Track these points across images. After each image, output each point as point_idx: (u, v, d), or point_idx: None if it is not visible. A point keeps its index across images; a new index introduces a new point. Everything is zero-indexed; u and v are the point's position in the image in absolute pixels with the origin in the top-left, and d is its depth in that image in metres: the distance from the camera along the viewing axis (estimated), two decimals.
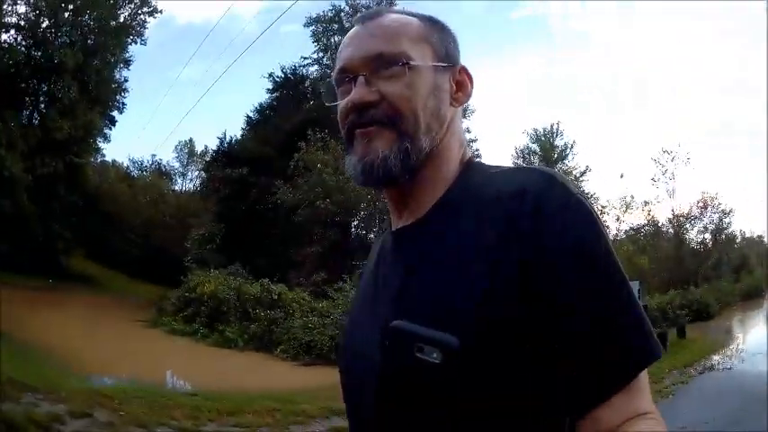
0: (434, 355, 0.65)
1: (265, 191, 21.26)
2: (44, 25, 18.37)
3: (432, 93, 0.78)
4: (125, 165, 30.26)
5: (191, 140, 32.79)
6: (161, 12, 20.86)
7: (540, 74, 48.53)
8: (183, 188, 32.31)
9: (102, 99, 20.12)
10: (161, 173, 30.80)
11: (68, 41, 18.50)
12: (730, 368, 10.53)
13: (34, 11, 18.34)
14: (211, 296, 15.02)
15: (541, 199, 0.67)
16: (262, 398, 7.53)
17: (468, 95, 0.83)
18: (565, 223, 0.66)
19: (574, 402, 0.64)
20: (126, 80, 21.30)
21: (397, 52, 0.76)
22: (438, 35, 0.82)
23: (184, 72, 47.85)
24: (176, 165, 32.87)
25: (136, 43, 20.57)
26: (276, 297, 14.74)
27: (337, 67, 0.80)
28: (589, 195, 27.69)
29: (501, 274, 0.66)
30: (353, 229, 22.89)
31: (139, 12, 20.24)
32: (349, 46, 0.80)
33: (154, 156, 32.03)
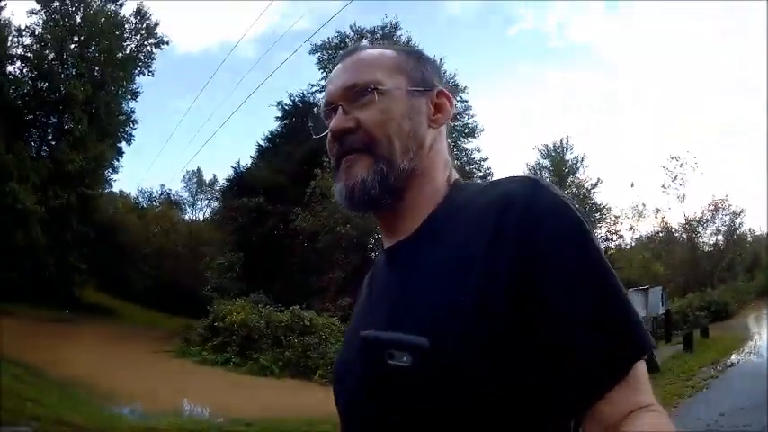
0: (404, 359, 0.65)
1: (282, 218, 21.28)
2: (50, 57, 18.16)
3: (406, 116, 0.79)
4: (133, 195, 30.02)
5: (198, 170, 32.72)
6: (167, 43, 20.74)
7: (541, 87, 48.92)
8: (193, 217, 31.98)
9: (111, 131, 19.86)
10: (171, 203, 30.42)
11: (75, 73, 18.31)
12: (755, 360, 11.05)
13: (39, 42, 18.16)
14: (241, 324, 14.60)
15: (527, 204, 0.68)
16: (320, 422, 7.35)
17: (448, 116, 0.84)
18: (552, 227, 0.66)
19: (573, 402, 0.64)
20: (133, 111, 21.10)
21: (370, 81, 0.79)
22: (414, 63, 0.84)
23: (183, 102, 47.73)
24: (185, 194, 32.68)
25: (143, 74, 20.41)
26: (309, 323, 14.34)
27: (323, 101, 0.85)
28: (602, 206, 27.73)
29: (492, 280, 0.65)
30: (373, 254, 22.61)
31: (146, 43, 20.10)
32: (330, 81, 0.84)
33: (163, 186, 31.92)
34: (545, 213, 0.67)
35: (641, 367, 0.64)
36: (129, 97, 20.44)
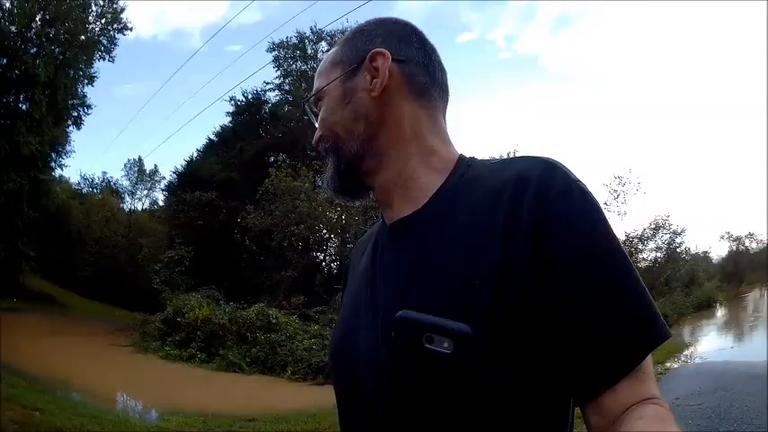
0: (445, 345, 0.63)
1: (233, 214, 21.27)
2: (13, 31, 17.34)
3: (342, 103, 0.81)
4: (75, 181, 28.79)
5: (140, 159, 31.80)
6: (131, 29, 20.31)
7: (489, 97, 49.65)
8: (132, 207, 31.05)
9: (67, 115, 19.21)
10: (112, 191, 29.44)
11: (37, 53, 17.59)
12: (696, 362, 12.46)
13: (5, 16, 17.23)
14: (205, 320, 14.78)
15: (543, 187, 0.67)
16: (312, 416, 7.92)
17: (384, 75, 0.78)
18: (568, 211, 0.66)
19: (580, 388, 0.64)
20: (85, 96, 20.40)
21: (318, 89, 0.85)
22: (348, 46, 0.84)
23: (124, 89, 45.68)
24: (125, 183, 31.69)
25: (104, 59, 19.87)
26: (274, 321, 14.81)
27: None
28: None
29: (508, 262, 0.65)
30: (321, 254, 23.16)
31: (110, 27, 19.58)
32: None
33: (105, 173, 30.98)
34: (561, 198, 0.66)
35: (648, 359, 0.64)
36: (87, 81, 19.82)
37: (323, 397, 9.38)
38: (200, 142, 26.40)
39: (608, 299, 0.63)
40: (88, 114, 20.29)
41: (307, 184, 19.15)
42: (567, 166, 0.72)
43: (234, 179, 22.40)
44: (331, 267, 22.96)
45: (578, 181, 0.69)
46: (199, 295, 16.92)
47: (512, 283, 0.64)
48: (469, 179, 0.76)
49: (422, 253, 0.73)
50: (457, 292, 0.66)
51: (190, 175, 23.44)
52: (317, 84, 0.85)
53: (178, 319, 15.35)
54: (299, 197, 19.02)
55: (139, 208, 31.15)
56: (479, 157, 0.83)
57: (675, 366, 11.72)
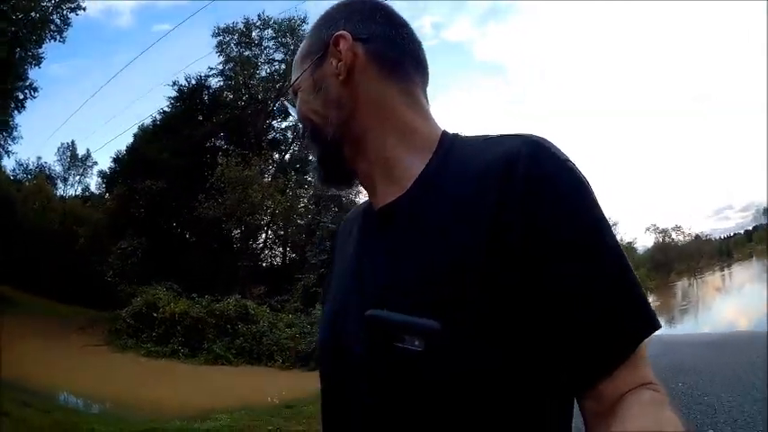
0: (416, 343, 0.62)
1: (185, 204, 20.78)
2: None
3: (314, 91, 0.80)
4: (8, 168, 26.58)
5: (73, 143, 29.85)
6: (84, 9, 18.94)
7: None
8: (65, 193, 29.23)
9: (13, 97, 17.86)
10: (47, 177, 27.51)
11: None
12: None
13: None
14: (182, 315, 14.78)
15: (531, 168, 0.64)
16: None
17: (347, 59, 0.77)
18: (557, 193, 0.63)
19: (575, 378, 0.63)
20: (26, 77, 18.90)
21: (291, 83, 0.85)
22: (314, 34, 0.83)
23: (52, 68, 41.87)
24: (58, 168, 29.69)
25: (55, 40, 18.48)
26: (253, 312, 15.08)
27: None
28: None
29: (495, 252, 0.63)
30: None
31: (63, 6, 18.20)
32: None
33: (40, 158, 28.66)
34: (549, 179, 0.64)
35: (642, 345, 0.63)
36: (34, 63, 18.41)
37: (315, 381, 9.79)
38: (134, 126, 25.17)
39: (602, 288, 0.62)
40: (35, 98, 18.93)
41: (261, 175, 19.11)
42: (555, 145, 0.69)
43: (182, 167, 21.71)
44: (285, 256, 23.20)
45: (568, 161, 0.67)
46: (164, 288, 16.62)
47: (499, 273, 0.62)
48: (454, 160, 0.73)
49: (404, 244, 0.71)
50: (436, 285, 0.64)
51: (133, 162, 22.47)
52: (292, 78, 0.85)
53: (154, 314, 15.13)
54: (252, 187, 19.05)
55: (72, 194, 29.37)
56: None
57: None
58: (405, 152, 0.77)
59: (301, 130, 0.84)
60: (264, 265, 22.93)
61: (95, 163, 29.46)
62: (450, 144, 0.77)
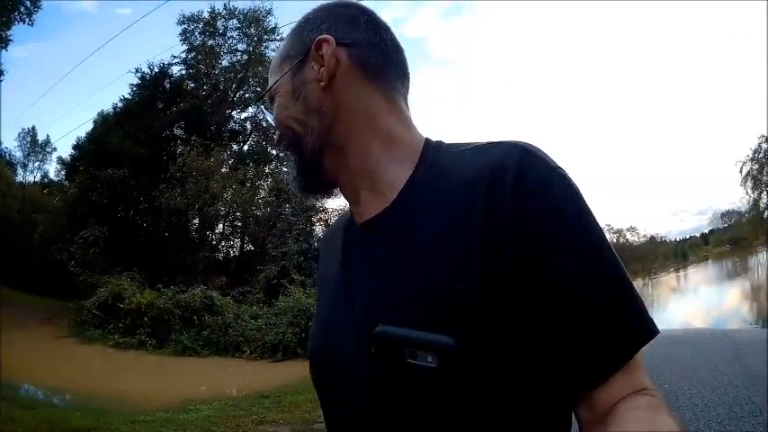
0: (429, 359, 0.60)
1: (145, 193, 20.85)
2: None
3: (293, 97, 0.77)
4: None
5: (33, 128, 29.29)
6: None
7: None
8: (25, 180, 28.67)
9: None
10: (6, 163, 26.87)
11: None
12: None
13: None
14: (149, 306, 15.07)
15: (521, 178, 0.63)
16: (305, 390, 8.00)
17: (330, 65, 0.74)
18: (549, 201, 0.63)
19: (572, 386, 0.62)
20: None
21: (269, 88, 0.81)
22: (295, 37, 0.80)
23: (15, 50, 40.01)
24: (18, 154, 29.12)
25: (24, 22, 18.10)
26: (218, 303, 15.50)
27: None
28: None
29: (490, 260, 0.62)
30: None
31: None
32: None
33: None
34: (541, 187, 0.63)
35: (639, 351, 0.62)
36: (1, 45, 17.97)
37: (291, 373, 10.14)
38: (94, 112, 24.82)
39: (598, 295, 0.61)
40: (0, 81, 18.58)
41: (221, 166, 19.26)
42: (543, 151, 0.68)
43: (143, 155, 21.66)
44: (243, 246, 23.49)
45: (558, 168, 0.66)
46: (128, 279, 16.80)
47: (495, 284, 0.61)
48: (439, 170, 0.72)
49: (395, 258, 0.69)
50: (438, 300, 0.63)
51: (94, 150, 22.28)
52: (269, 82, 0.81)
53: (119, 305, 15.29)
54: (213, 177, 19.25)
55: (32, 181, 28.89)
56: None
57: None
58: (388, 162, 0.75)
59: (276, 138, 0.81)
60: (221, 256, 23.04)
61: (54, 149, 29.09)
62: (435, 153, 0.75)
